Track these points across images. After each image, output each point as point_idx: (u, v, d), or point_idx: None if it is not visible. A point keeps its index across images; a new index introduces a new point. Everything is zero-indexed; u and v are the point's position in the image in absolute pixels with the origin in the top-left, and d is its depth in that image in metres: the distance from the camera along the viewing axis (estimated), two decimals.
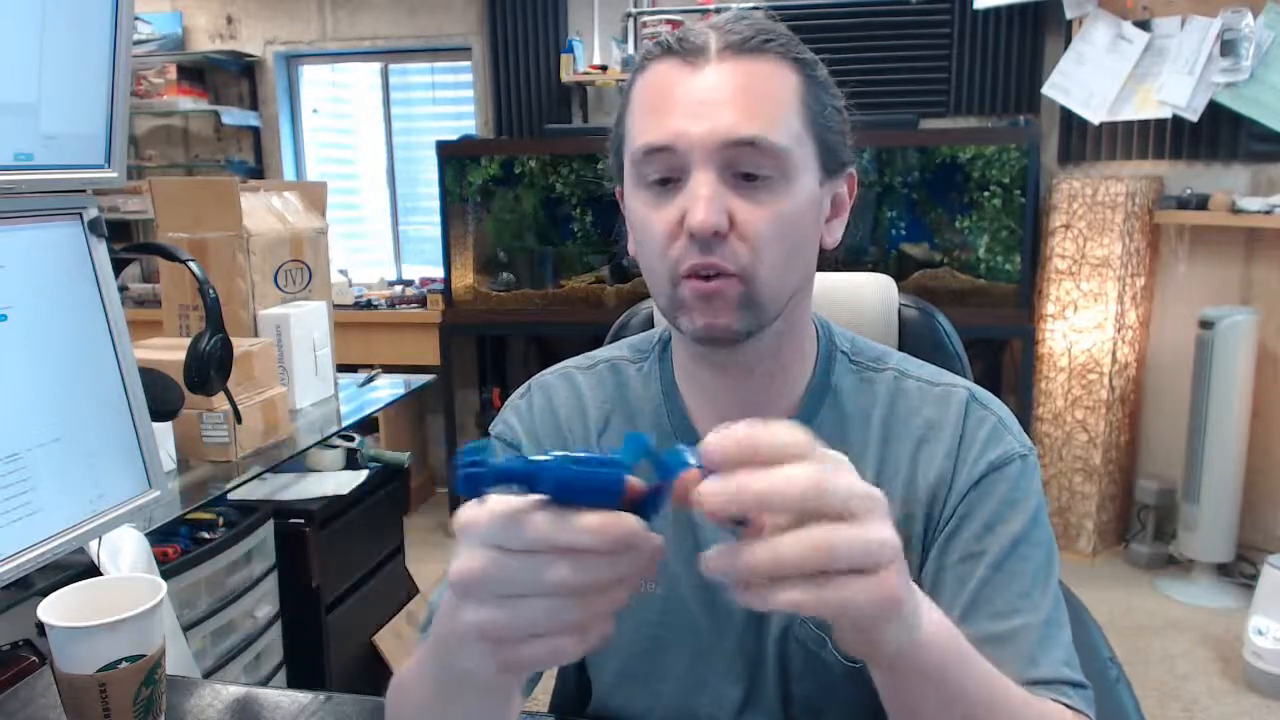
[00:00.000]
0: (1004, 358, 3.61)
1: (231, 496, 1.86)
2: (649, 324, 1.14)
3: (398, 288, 4.29)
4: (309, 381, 2.19)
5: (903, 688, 0.59)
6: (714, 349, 0.78)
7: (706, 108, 0.72)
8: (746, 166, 0.72)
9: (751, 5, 3.67)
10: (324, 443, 2.16)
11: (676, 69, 0.74)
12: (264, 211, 2.18)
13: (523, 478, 0.46)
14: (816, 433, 0.81)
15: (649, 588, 0.84)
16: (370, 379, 2.49)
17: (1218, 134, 3.33)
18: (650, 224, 0.75)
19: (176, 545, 1.76)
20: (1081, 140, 3.55)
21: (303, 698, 0.91)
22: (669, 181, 0.74)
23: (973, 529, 0.77)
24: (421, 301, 4.07)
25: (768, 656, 0.83)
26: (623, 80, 3.84)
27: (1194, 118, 3.25)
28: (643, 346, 0.92)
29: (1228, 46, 3.14)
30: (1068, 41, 3.47)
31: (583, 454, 0.47)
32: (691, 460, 0.47)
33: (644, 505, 0.47)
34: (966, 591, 0.75)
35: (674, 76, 0.74)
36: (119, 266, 0.95)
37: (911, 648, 0.54)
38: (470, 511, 0.48)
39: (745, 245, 0.72)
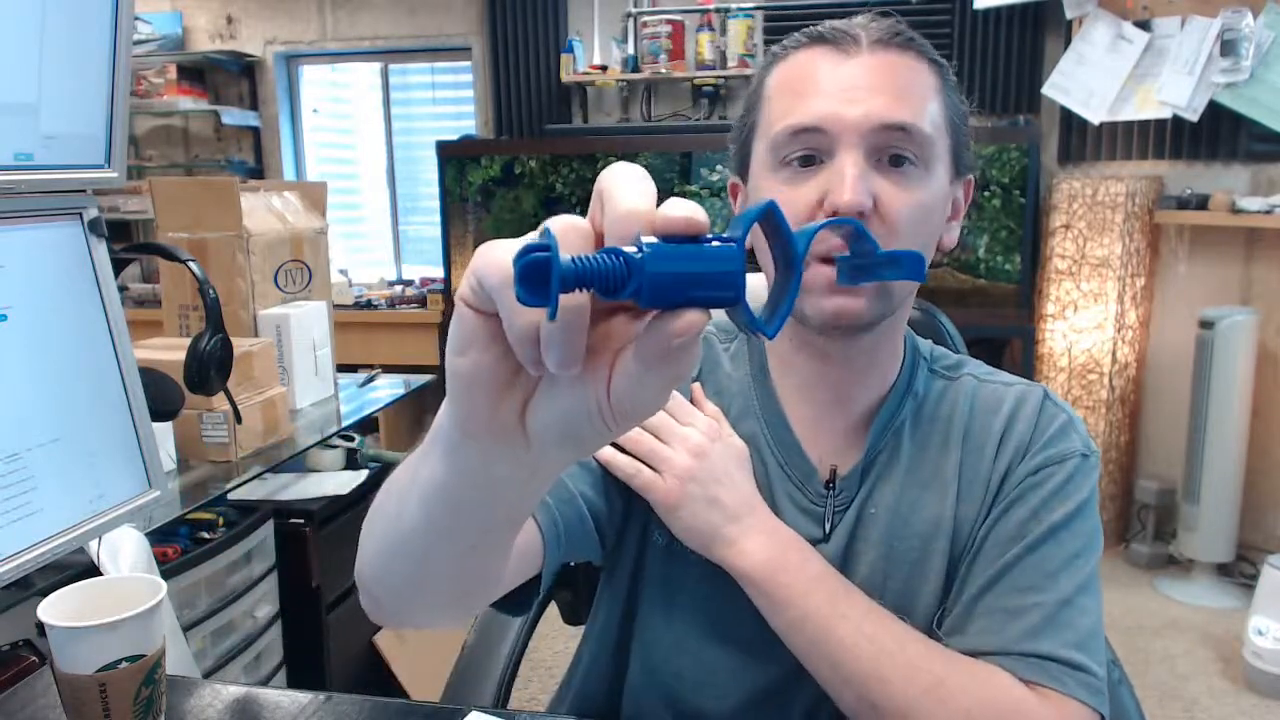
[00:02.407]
0: (1004, 358, 3.60)
1: (231, 496, 1.86)
2: None
3: (398, 288, 4.29)
4: (309, 381, 2.19)
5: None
6: (833, 337, 0.79)
7: (860, 92, 0.74)
8: (895, 149, 0.74)
9: (754, 6, 3.67)
10: (324, 443, 2.16)
11: (825, 56, 0.77)
12: (264, 211, 2.18)
13: (607, 277, 0.34)
14: (899, 431, 0.85)
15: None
16: (370, 379, 2.49)
17: (1218, 134, 3.33)
18: (786, 204, 0.76)
19: (176, 545, 1.76)
20: (1081, 140, 3.55)
21: (303, 698, 0.91)
22: (809, 164, 0.76)
23: (1021, 514, 0.79)
24: (421, 301, 4.07)
25: None
26: (623, 80, 3.85)
27: (1194, 118, 3.25)
28: (729, 328, 0.92)
29: (1228, 46, 3.13)
30: (1068, 41, 3.46)
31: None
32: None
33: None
34: (998, 564, 0.78)
35: (824, 63, 0.77)
36: (119, 266, 0.95)
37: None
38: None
39: (885, 228, 0.74)
